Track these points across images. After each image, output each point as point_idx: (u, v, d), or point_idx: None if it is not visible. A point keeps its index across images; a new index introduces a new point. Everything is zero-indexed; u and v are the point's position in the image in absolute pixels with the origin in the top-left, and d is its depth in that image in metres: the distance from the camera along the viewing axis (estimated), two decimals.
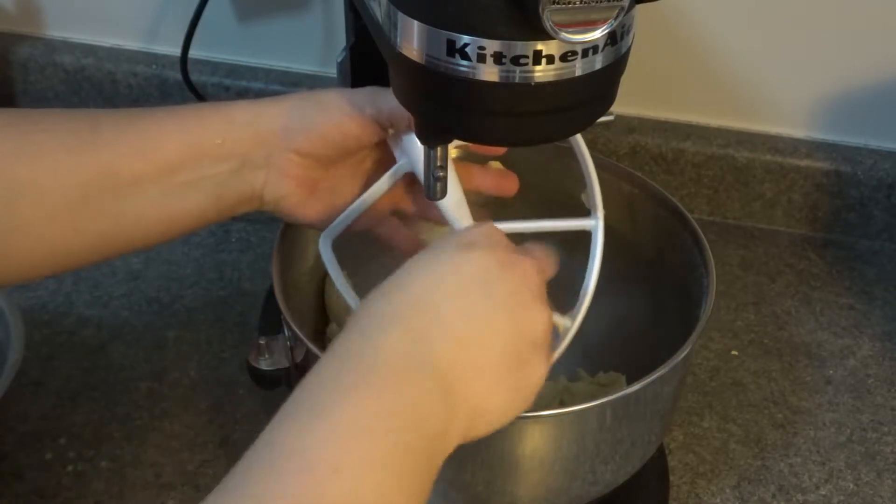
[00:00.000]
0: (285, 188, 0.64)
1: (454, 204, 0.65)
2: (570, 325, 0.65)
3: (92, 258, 0.63)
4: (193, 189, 0.63)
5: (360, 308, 0.53)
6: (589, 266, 0.68)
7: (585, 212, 0.79)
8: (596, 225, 0.68)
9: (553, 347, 0.63)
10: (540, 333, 0.54)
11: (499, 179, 0.70)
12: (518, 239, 0.59)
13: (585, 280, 0.67)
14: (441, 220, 0.67)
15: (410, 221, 0.71)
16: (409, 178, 0.67)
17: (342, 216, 0.66)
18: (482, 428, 0.52)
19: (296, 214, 0.66)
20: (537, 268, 0.56)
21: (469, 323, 0.52)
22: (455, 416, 0.50)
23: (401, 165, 0.65)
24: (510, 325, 0.53)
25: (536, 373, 0.54)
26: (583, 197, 0.70)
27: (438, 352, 0.50)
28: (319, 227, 0.67)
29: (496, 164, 0.72)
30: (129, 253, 0.66)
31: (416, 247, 0.69)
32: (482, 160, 0.71)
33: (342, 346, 0.51)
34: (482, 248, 0.55)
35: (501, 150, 0.70)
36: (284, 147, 0.63)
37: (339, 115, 0.63)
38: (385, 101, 0.62)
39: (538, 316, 0.54)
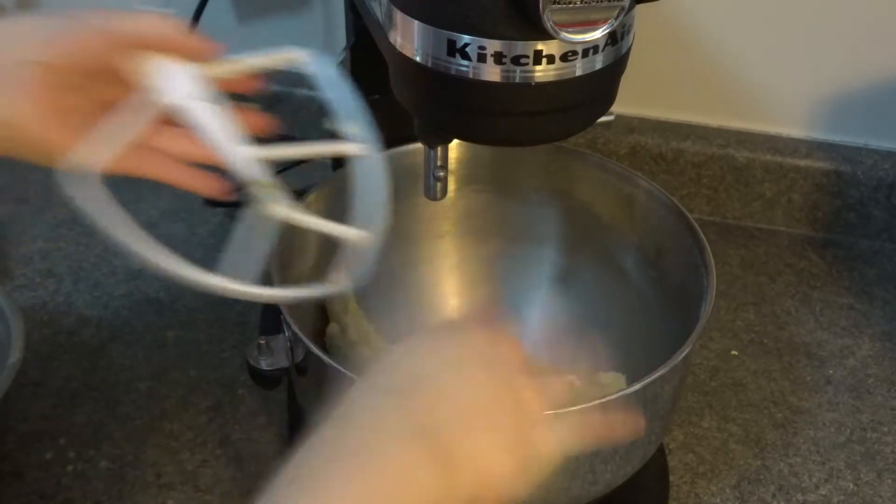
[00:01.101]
0: (23, 102, 0.56)
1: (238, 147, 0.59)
2: (370, 235, 0.59)
3: None
4: None
5: (354, 391, 0.51)
6: (374, 184, 0.60)
7: (581, 203, 0.80)
8: (365, 147, 0.59)
9: (360, 265, 0.60)
10: (534, 407, 0.52)
11: (255, 120, 0.63)
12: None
13: (375, 196, 0.60)
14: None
15: None
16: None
17: (105, 144, 0.57)
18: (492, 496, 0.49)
19: (40, 135, 0.57)
20: (516, 346, 0.54)
21: (463, 388, 0.50)
22: (454, 483, 0.46)
23: (164, 91, 0.58)
24: (509, 390, 0.51)
25: (542, 449, 0.51)
26: (348, 130, 0.60)
27: (426, 413, 0.48)
28: (66, 153, 0.57)
29: (253, 105, 0.68)
30: None
31: (191, 178, 0.62)
32: (239, 100, 0.63)
33: (323, 427, 0.47)
34: (466, 331, 0.54)
35: (257, 86, 0.63)
36: (19, 57, 0.56)
37: (83, 25, 0.58)
38: (137, 17, 0.58)
39: (529, 385, 0.52)
